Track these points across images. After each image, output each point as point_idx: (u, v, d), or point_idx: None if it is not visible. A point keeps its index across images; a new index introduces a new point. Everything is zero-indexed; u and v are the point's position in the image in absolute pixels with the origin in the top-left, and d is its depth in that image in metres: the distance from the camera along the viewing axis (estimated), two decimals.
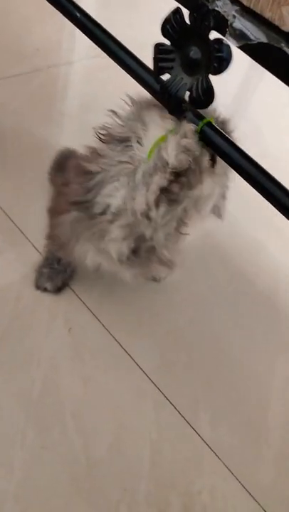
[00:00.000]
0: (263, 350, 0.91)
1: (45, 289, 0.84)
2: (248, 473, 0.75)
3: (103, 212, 0.66)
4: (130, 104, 0.65)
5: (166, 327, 0.89)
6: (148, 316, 0.89)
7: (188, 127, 0.55)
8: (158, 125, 0.60)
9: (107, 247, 0.69)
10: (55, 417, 0.73)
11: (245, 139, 0.64)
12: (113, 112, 0.65)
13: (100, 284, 0.86)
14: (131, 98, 0.65)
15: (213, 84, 0.50)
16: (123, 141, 0.63)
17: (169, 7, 0.51)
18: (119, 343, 0.83)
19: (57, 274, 0.84)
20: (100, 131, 0.66)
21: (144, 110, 0.63)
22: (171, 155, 0.58)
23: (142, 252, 0.69)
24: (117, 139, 0.64)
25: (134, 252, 0.69)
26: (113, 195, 0.64)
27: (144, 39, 0.64)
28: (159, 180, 0.60)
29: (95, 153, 0.67)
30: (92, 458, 0.70)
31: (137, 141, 0.62)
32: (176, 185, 0.61)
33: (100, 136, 0.65)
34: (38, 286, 0.85)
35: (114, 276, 0.78)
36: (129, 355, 0.82)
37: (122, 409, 0.77)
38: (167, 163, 0.59)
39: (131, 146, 0.62)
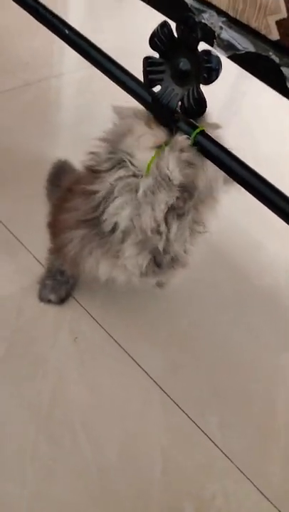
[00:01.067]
0: (268, 349, 0.92)
1: (49, 301, 0.85)
2: (260, 474, 0.75)
3: (112, 231, 0.65)
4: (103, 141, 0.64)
5: (169, 331, 0.89)
6: (151, 321, 0.90)
7: (184, 142, 0.55)
8: (145, 140, 0.60)
9: (125, 265, 0.69)
10: (65, 427, 0.73)
11: (238, 143, 0.65)
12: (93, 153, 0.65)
13: (103, 292, 0.87)
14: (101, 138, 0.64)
15: (204, 92, 0.51)
16: (115, 166, 0.62)
17: (156, 16, 0.51)
18: (124, 349, 0.84)
19: (60, 285, 0.85)
20: (88, 160, 0.66)
21: (120, 140, 0.62)
22: (175, 171, 0.58)
23: (164, 264, 0.70)
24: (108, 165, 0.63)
25: (158, 265, 0.69)
26: (119, 214, 0.63)
27: (132, 48, 0.64)
28: (167, 198, 0.60)
29: (91, 173, 0.66)
30: (104, 466, 0.71)
31: (129, 161, 0.61)
32: (181, 201, 0.62)
33: (90, 166, 0.65)
34: (42, 298, 0.85)
35: (115, 283, 0.78)
36: (135, 361, 0.83)
37: (131, 415, 0.77)
38: (170, 180, 0.59)
39: (125, 164, 0.61)
